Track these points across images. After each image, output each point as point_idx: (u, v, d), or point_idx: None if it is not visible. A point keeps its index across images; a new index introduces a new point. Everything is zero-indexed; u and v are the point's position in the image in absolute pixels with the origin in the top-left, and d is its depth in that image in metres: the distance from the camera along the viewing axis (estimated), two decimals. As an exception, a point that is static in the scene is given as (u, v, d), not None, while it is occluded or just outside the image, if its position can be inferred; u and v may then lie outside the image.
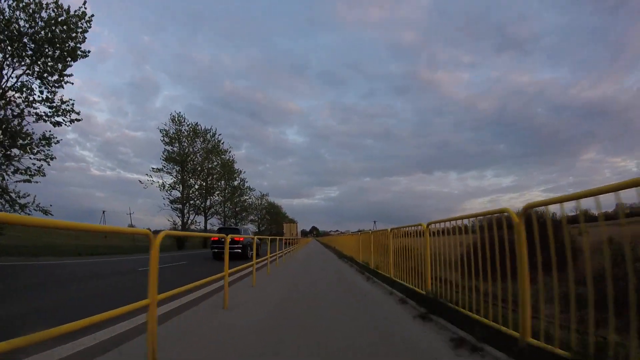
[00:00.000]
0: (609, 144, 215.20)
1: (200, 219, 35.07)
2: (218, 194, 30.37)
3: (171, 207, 25.37)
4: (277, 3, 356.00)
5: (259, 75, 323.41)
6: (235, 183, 34.82)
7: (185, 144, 26.08)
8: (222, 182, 30.88)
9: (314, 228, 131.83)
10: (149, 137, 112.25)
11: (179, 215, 25.29)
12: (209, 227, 29.35)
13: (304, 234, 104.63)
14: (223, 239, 4.62)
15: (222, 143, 28.79)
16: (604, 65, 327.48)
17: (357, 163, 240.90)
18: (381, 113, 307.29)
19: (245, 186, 37.69)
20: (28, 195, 11.09)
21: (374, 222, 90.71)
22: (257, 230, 58.66)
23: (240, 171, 35.33)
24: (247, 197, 40.31)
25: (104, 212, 56.30)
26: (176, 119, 25.86)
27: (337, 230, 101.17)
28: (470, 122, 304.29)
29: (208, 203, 29.06)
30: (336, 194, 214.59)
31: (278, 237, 14.04)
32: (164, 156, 25.05)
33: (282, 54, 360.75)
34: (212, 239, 7.93)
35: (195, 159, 26.59)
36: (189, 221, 26.04)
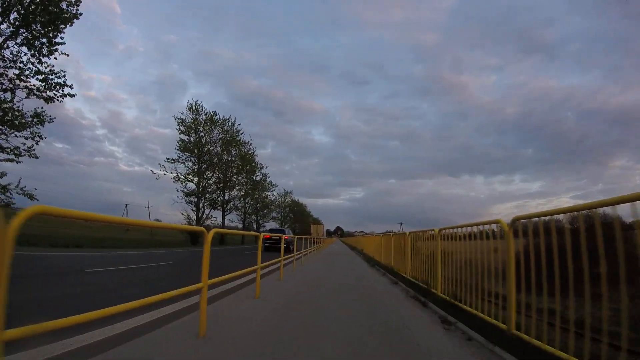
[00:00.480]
0: (639, 151, 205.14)
1: (217, 214, 34.47)
2: (238, 189, 29.84)
3: (185, 201, 24.42)
4: (299, 2, 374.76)
5: (282, 74, 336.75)
6: (257, 178, 34.26)
7: (202, 133, 25.06)
8: (242, 175, 30.03)
9: (338, 228, 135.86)
10: (177, 134, 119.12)
11: (193, 209, 24.44)
12: (227, 222, 29.48)
13: (329, 234, 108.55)
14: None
15: (242, 133, 27.80)
16: (634, 71, 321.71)
17: (381, 164, 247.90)
18: (405, 115, 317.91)
19: (267, 181, 37.08)
20: (5, 175, 10.46)
21: (401, 223, 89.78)
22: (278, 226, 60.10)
23: (262, 165, 34.85)
24: (269, 194, 39.80)
25: (126, 206, 60.11)
26: (193, 107, 24.91)
27: (361, 231, 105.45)
28: (496, 125, 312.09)
29: (226, 197, 28.35)
30: (361, 195, 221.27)
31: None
32: (179, 145, 24.16)
33: (304, 54, 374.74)
34: (265, 236, 9.46)
35: (212, 149, 25.72)
36: (205, 216, 25.13)
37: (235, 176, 28.83)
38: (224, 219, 28.40)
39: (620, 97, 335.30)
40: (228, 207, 28.68)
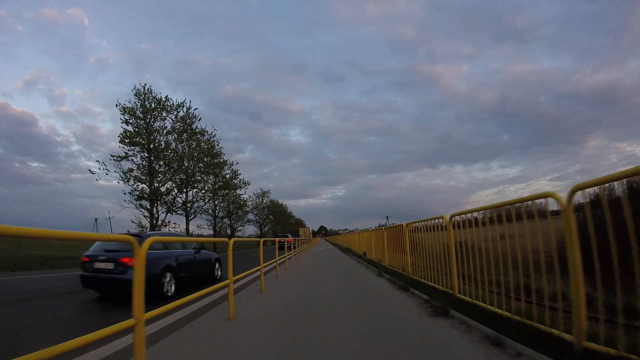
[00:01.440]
0: (614, 129, 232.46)
1: (178, 219, 33.26)
2: (202, 188, 27.13)
3: (135, 205, 21.40)
4: (273, 3, 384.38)
5: (259, 76, 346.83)
6: (225, 174, 31.71)
7: (151, 122, 21.83)
8: (203, 170, 26.93)
9: (322, 227, 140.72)
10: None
11: (146, 215, 21.63)
12: (193, 230, 27.41)
13: (313, 234, 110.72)
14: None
15: (199, 120, 24.73)
16: (605, 51, 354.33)
17: (361, 160, 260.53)
18: (383, 109, 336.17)
19: (238, 179, 33.86)
20: None
21: (387, 217, 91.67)
22: (259, 232, 58.21)
23: (232, 162, 32.39)
24: (242, 193, 36.51)
25: (96, 220, 56.95)
26: (141, 92, 21.66)
27: (345, 229, 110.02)
28: (473, 114, 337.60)
29: (189, 197, 25.77)
30: (342, 192, 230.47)
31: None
32: (121, 137, 20.79)
33: (281, 54, 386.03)
34: (277, 240, 10.06)
35: (163, 139, 22.62)
36: (161, 222, 22.47)
37: (198, 173, 25.98)
38: (188, 224, 25.64)
39: (592, 77, 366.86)
40: (192, 211, 25.94)
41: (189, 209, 25.38)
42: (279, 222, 70.46)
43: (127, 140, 20.80)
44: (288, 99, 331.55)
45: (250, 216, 48.16)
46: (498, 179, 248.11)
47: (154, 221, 21.76)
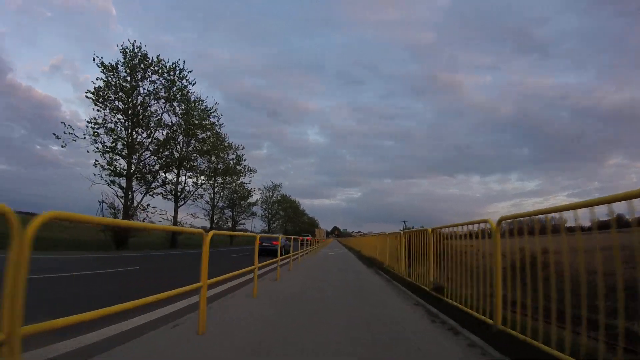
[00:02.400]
0: (635, 149, 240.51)
1: (167, 205, 30.69)
2: (199, 174, 25.37)
3: (107, 182, 18.23)
4: (294, 2, 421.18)
5: (277, 73, 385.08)
6: (228, 158, 29.95)
7: (135, 81, 18.91)
8: (199, 152, 24.04)
9: (335, 228, 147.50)
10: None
11: (120, 195, 18.49)
12: (185, 219, 24.34)
13: (326, 234, 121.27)
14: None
15: (193, 83, 21.46)
16: (628, 69, 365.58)
17: (377, 164, 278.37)
18: (400, 114, 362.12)
19: (242, 164, 31.78)
20: None
21: (404, 222, 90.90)
22: (267, 227, 56.73)
23: (237, 146, 30.93)
24: (247, 182, 34.36)
25: (101, 203, 57.30)
26: (129, 51, 18.61)
27: (359, 232, 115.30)
28: (491, 124, 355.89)
29: (180, 179, 23.58)
30: (358, 195, 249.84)
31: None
32: (94, 96, 17.67)
33: (299, 53, 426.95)
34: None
35: (146, 101, 19.47)
36: (137, 204, 19.36)
37: (194, 152, 23.56)
38: (177, 211, 23.12)
39: (615, 95, 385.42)
40: (182, 196, 23.69)
41: (179, 193, 23.10)
42: (290, 219, 68.61)
43: (96, 98, 17.56)
44: (305, 98, 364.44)
45: (257, 209, 46.40)
46: (515, 192, 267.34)
47: (129, 202, 18.86)
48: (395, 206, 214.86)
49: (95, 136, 17.75)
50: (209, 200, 31.29)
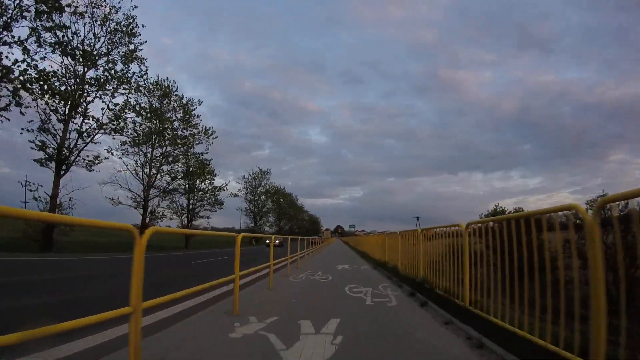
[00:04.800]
0: (638, 145, 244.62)
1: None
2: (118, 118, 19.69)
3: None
4: (297, 2, 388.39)
5: (278, 74, 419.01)
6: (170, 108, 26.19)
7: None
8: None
9: (338, 227, 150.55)
10: None
11: None
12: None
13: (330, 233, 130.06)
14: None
15: (139, 26, 19.39)
16: (630, 64, 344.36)
17: (379, 163, 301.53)
18: (402, 113, 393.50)
19: (194, 123, 26.87)
20: None
21: (417, 217, 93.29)
22: (252, 224, 50.72)
23: (190, 100, 26.83)
24: (203, 152, 28.70)
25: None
26: None
27: (362, 230, 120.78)
28: (494, 122, 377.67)
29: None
30: (360, 194, 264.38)
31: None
32: None
33: (301, 53, 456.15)
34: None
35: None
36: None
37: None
38: (57, 182, 17.38)
39: (616, 90, 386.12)
40: (72, 158, 17.77)
41: (65, 152, 17.08)
42: (283, 213, 62.94)
43: None
44: (307, 98, 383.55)
45: (240, 203, 42.11)
46: (518, 189, 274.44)
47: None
48: (399, 205, 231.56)
49: None
50: (139, 175, 24.92)
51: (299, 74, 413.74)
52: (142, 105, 22.94)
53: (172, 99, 25.84)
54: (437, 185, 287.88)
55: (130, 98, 19.91)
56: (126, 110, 19.63)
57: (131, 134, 22.57)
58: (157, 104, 24.87)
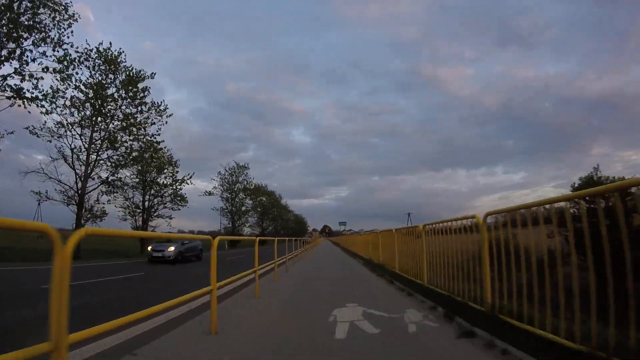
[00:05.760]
0: (619, 137, 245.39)
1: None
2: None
3: None
4: (276, 3, 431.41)
5: (262, 76, 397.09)
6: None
7: None
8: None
9: (325, 227, 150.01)
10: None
11: None
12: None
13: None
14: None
15: None
16: (610, 57, 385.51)
17: (364, 162, 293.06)
18: (385, 110, 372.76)
19: (142, 97, 22.22)
20: None
21: (408, 214, 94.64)
22: (229, 224, 47.71)
23: (141, 72, 22.30)
24: (155, 134, 23.28)
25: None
26: None
27: (350, 230, 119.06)
28: (477, 117, 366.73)
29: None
30: (346, 193, 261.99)
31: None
32: None
33: (284, 54, 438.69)
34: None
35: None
36: None
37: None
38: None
39: (596, 83, 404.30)
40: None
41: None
42: (267, 213, 61.59)
43: None
44: (291, 99, 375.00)
45: (215, 202, 39.81)
46: (502, 185, 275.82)
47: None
48: (384, 203, 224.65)
49: None
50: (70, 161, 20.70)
51: (283, 75, 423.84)
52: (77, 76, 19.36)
53: (118, 69, 21.35)
54: (421, 182, 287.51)
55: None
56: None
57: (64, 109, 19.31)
58: (100, 76, 20.69)
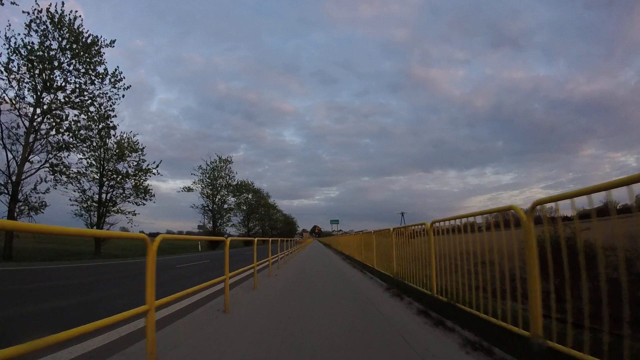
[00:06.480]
0: (608, 139, 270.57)
1: None
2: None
3: None
4: (267, 2, 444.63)
5: (252, 76, 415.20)
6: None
7: None
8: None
9: (315, 227, 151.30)
10: (146, 140, 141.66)
11: None
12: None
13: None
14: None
15: None
16: (599, 60, 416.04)
17: (355, 162, 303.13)
18: (376, 111, 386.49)
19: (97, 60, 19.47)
20: None
21: (402, 214, 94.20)
22: (210, 223, 44.61)
23: (98, 39, 19.50)
24: (110, 104, 20.72)
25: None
26: None
27: (340, 230, 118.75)
28: (467, 119, 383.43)
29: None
30: (336, 194, 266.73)
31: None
32: None
33: (274, 54, 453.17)
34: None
35: None
36: None
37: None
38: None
39: (586, 86, 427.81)
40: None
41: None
42: (253, 212, 59.21)
43: None
44: (282, 99, 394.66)
45: (196, 199, 36.56)
46: (492, 185, 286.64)
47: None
48: (375, 204, 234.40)
49: None
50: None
51: (274, 75, 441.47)
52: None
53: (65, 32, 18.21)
54: (412, 182, 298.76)
55: None
56: None
57: None
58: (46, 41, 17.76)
